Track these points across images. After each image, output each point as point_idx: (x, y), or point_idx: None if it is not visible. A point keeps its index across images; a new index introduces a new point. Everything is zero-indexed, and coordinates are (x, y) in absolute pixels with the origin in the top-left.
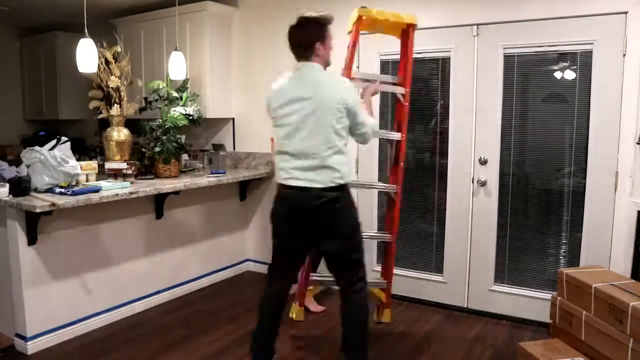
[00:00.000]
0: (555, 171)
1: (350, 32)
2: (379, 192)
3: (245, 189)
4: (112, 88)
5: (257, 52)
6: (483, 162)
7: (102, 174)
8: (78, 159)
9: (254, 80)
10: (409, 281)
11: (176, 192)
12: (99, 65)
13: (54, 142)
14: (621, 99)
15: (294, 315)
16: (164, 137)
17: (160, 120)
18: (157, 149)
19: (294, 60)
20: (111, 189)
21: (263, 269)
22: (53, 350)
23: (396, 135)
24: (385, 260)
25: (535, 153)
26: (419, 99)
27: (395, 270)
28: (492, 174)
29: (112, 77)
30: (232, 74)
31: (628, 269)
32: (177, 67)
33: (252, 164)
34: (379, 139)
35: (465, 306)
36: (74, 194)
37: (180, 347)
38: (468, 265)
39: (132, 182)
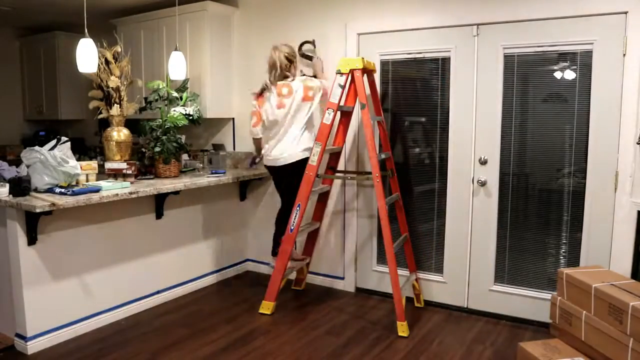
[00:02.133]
0: (555, 171)
1: (344, 73)
2: None
3: (245, 189)
4: (112, 88)
5: (257, 52)
6: (483, 162)
7: (102, 174)
8: (78, 159)
9: (254, 80)
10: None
11: (176, 192)
12: (99, 65)
13: (54, 142)
14: (621, 99)
15: (403, 333)
16: (164, 137)
17: (160, 120)
18: (157, 149)
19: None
20: (111, 189)
21: (263, 269)
22: (53, 350)
23: (387, 154)
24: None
25: (535, 153)
26: (419, 98)
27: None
28: (492, 174)
29: (112, 77)
30: (232, 74)
31: (628, 269)
32: (177, 67)
33: None
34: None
35: (465, 306)
36: (74, 194)
37: (180, 347)
38: (468, 265)
39: (132, 182)
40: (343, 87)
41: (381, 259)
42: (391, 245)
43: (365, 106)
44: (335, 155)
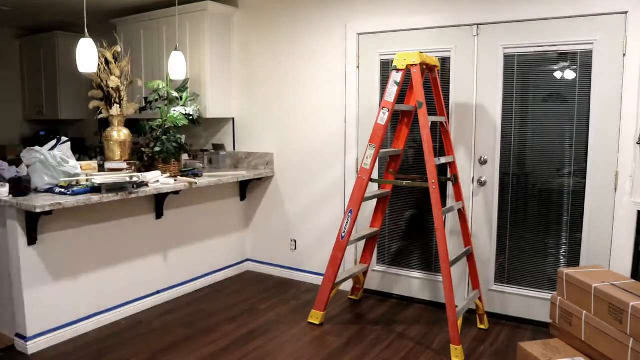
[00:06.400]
0: (555, 171)
1: (400, 69)
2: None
3: (245, 189)
4: (112, 88)
5: (257, 52)
6: (483, 162)
7: None
8: (78, 159)
9: (254, 80)
10: (409, 281)
11: (176, 192)
12: (99, 65)
13: (54, 142)
14: (621, 99)
15: (457, 358)
16: (164, 137)
17: (160, 120)
18: (157, 149)
19: (292, 60)
20: None
21: (263, 269)
22: (53, 350)
23: (450, 159)
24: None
25: (535, 153)
26: None
27: (396, 271)
28: (492, 174)
29: (112, 77)
30: (232, 74)
31: (628, 269)
32: (177, 67)
33: (252, 164)
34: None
35: None
36: (74, 194)
37: (180, 347)
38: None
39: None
40: (399, 84)
41: (381, 258)
42: (447, 261)
43: (422, 105)
44: (395, 159)
